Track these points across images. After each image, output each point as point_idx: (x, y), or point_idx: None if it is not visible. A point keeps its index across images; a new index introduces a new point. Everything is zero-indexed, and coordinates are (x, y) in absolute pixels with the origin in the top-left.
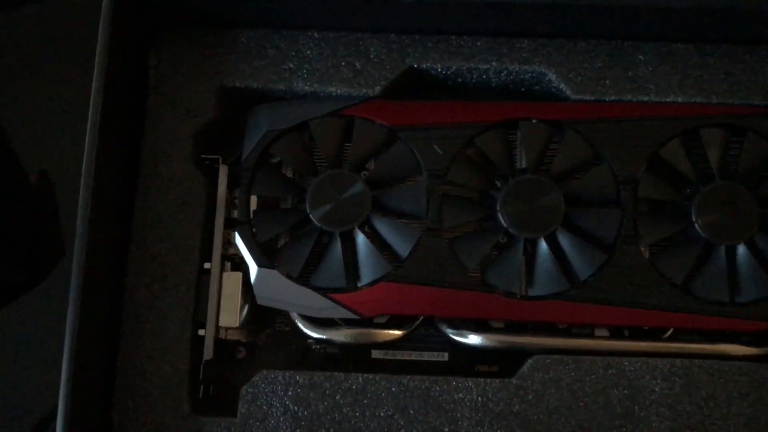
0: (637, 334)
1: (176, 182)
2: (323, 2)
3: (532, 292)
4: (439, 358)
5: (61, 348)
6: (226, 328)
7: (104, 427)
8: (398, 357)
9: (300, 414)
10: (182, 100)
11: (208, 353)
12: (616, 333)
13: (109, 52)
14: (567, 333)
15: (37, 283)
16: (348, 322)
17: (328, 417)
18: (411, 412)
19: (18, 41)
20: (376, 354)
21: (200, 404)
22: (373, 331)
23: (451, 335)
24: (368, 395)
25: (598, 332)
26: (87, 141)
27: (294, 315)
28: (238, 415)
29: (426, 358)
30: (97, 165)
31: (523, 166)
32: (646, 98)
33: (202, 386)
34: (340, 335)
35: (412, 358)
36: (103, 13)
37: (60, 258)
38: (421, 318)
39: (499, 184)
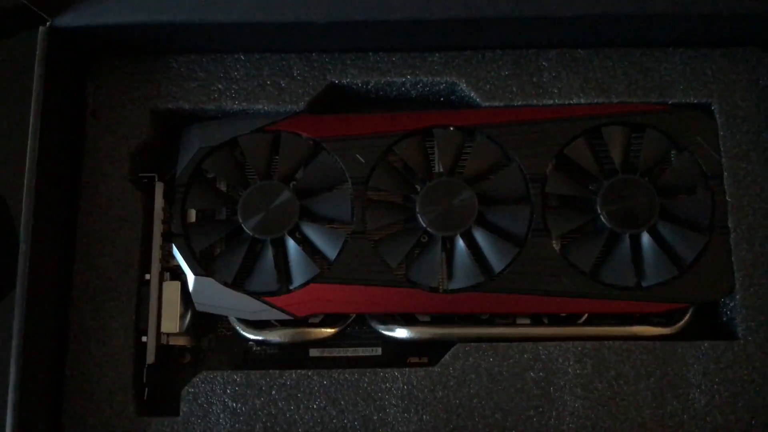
0: (554, 320)
1: (115, 199)
2: (247, 27)
3: (451, 286)
4: (373, 353)
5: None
6: (168, 334)
7: (55, 430)
8: (335, 354)
9: (238, 410)
10: (118, 123)
11: (150, 358)
12: (535, 321)
13: (45, 80)
14: (488, 322)
15: None
16: (283, 323)
17: (265, 411)
18: (342, 403)
19: None
20: (313, 353)
21: (145, 406)
22: (308, 329)
23: (381, 330)
24: (301, 389)
25: (520, 321)
26: (27, 165)
27: (232, 319)
28: (181, 414)
29: (361, 354)
30: (37, 186)
31: (440, 170)
32: (550, 102)
33: (146, 389)
34: (276, 336)
35: (348, 354)
36: (38, 42)
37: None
38: (353, 316)
39: (418, 188)
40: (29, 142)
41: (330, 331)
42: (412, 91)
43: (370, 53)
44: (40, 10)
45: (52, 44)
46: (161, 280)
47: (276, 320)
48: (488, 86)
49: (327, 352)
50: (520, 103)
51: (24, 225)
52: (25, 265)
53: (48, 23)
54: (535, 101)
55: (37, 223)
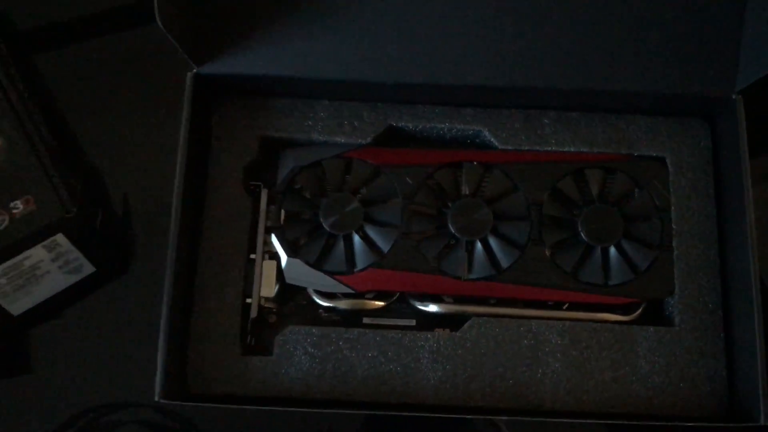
0: (543, 306)
1: (232, 200)
2: (331, 83)
3: (471, 276)
4: (409, 324)
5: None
6: (265, 298)
7: (183, 362)
8: (380, 322)
9: (314, 354)
10: (235, 146)
11: (253, 314)
12: (529, 305)
13: (189, 112)
14: (496, 304)
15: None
16: (346, 296)
17: (333, 356)
18: (389, 354)
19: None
20: (365, 320)
21: (247, 348)
22: (364, 301)
23: (417, 305)
24: (361, 342)
25: (518, 304)
26: (177, 171)
27: (310, 290)
28: (273, 355)
29: (400, 324)
30: (183, 188)
31: (466, 192)
32: (549, 148)
33: (249, 336)
34: (342, 304)
35: (390, 323)
36: (186, 86)
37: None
38: (398, 294)
39: (450, 204)
40: (179, 157)
41: (380, 303)
42: (448, 135)
43: (420, 105)
44: (193, 61)
45: (195, 86)
46: (262, 260)
47: (341, 293)
48: (504, 135)
49: (375, 320)
50: (526, 148)
51: (174, 215)
52: (174, 243)
53: (194, 70)
54: (537, 147)
55: (182, 215)
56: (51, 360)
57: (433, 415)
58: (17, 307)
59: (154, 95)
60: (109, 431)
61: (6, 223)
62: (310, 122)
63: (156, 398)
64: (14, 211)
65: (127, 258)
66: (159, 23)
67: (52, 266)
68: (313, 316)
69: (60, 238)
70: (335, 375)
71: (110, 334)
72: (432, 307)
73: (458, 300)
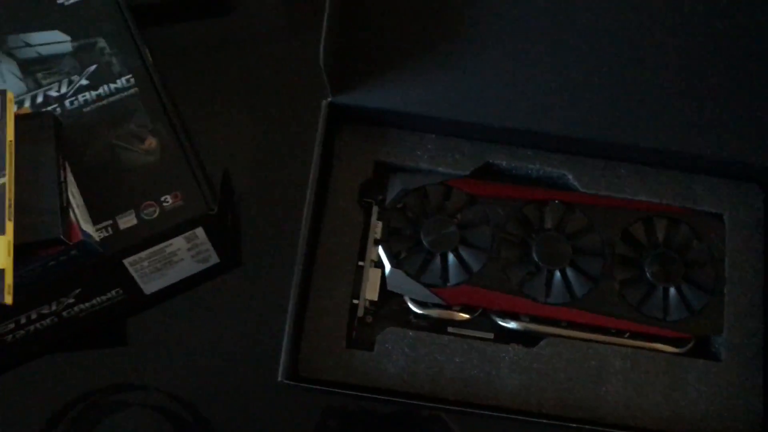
0: (608, 332)
1: (347, 214)
2: (439, 120)
3: (548, 301)
4: (487, 336)
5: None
6: (369, 300)
7: (296, 350)
8: (462, 332)
9: (409, 354)
10: (353, 166)
11: (360, 313)
12: (595, 330)
13: (323, 135)
14: (567, 327)
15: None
16: (437, 306)
17: (426, 357)
18: (474, 361)
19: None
20: (450, 329)
21: (352, 343)
22: (451, 312)
23: (498, 321)
24: (450, 347)
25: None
26: (309, 185)
27: (407, 298)
28: (374, 351)
29: (479, 335)
30: (315, 201)
31: (549, 227)
32: (623, 196)
33: (354, 332)
34: (433, 313)
35: (471, 334)
36: (321, 112)
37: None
38: (481, 309)
39: (534, 236)
40: (312, 172)
41: (466, 316)
42: (537, 174)
43: (515, 147)
44: (331, 91)
45: (329, 112)
46: (369, 267)
47: (433, 303)
48: (586, 180)
49: (458, 331)
50: (604, 193)
51: (304, 224)
52: (303, 248)
53: (329, 99)
54: (614, 194)
55: (311, 223)
56: (153, 340)
57: (509, 416)
58: (150, 287)
59: (285, 112)
60: (116, 411)
61: (157, 214)
62: (418, 152)
63: (279, 378)
64: (164, 204)
65: (241, 252)
66: (321, 61)
67: (186, 255)
68: (404, 320)
69: (199, 231)
70: (427, 374)
71: (219, 319)
72: (512, 324)
73: (534, 320)
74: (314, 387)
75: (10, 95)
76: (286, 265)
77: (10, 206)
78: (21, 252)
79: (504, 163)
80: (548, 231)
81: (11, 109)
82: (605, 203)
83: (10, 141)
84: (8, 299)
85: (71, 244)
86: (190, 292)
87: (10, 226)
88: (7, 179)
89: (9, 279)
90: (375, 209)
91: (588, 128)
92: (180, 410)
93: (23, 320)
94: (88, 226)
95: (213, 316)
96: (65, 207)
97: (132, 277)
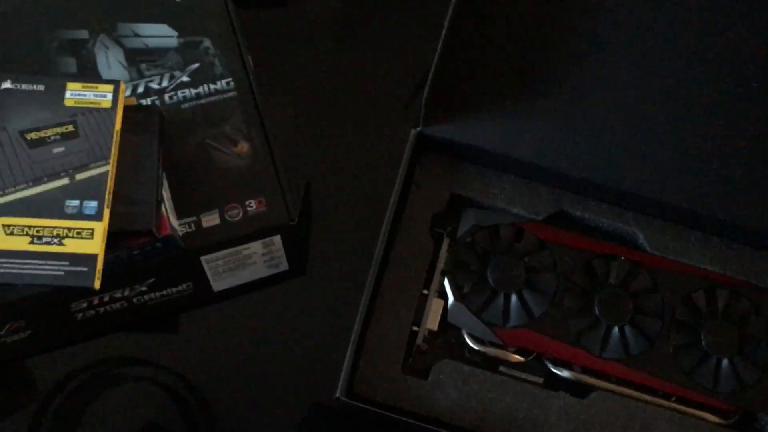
0: (655, 392)
1: (418, 240)
2: (519, 162)
3: (604, 355)
4: (536, 380)
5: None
6: (429, 330)
7: (354, 369)
8: (513, 373)
9: (461, 388)
10: (430, 195)
11: (419, 341)
12: (644, 389)
13: (409, 162)
14: (618, 382)
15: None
16: (492, 344)
17: (478, 394)
18: (524, 403)
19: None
20: (501, 368)
21: (408, 369)
22: (506, 352)
23: (551, 368)
24: (502, 388)
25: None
26: (389, 208)
27: (465, 332)
28: (428, 379)
29: (529, 379)
30: (392, 223)
31: (613, 282)
32: (690, 262)
33: (411, 359)
34: (489, 351)
35: (521, 376)
36: (409, 140)
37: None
38: (536, 353)
39: (598, 289)
40: (393, 196)
41: (520, 358)
42: (608, 229)
43: (590, 200)
44: (423, 121)
45: (417, 141)
46: (433, 297)
47: (490, 341)
48: (655, 242)
49: (509, 371)
50: (671, 257)
51: (379, 246)
52: (375, 270)
53: (418, 129)
54: (681, 259)
55: (386, 245)
56: (204, 332)
57: None
58: (219, 284)
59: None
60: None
61: (240, 217)
62: (495, 190)
63: (337, 394)
64: (248, 208)
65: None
66: (424, 97)
67: (260, 259)
68: (459, 353)
69: (277, 238)
70: (476, 410)
71: (274, 323)
72: (565, 373)
73: (586, 371)
74: (369, 408)
75: (122, 86)
76: (348, 279)
77: (109, 194)
78: (111, 239)
79: (578, 213)
80: (612, 286)
81: (122, 100)
82: (670, 267)
83: (118, 130)
84: (96, 284)
85: (159, 237)
86: (253, 293)
87: (107, 214)
88: (110, 167)
89: (100, 265)
90: (445, 241)
91: (664, 192)
92: (188, 396)
93: (95, 301)
94: (174, 221)
95: (269, 319)
96: (159, 201)
97: (205, 274)
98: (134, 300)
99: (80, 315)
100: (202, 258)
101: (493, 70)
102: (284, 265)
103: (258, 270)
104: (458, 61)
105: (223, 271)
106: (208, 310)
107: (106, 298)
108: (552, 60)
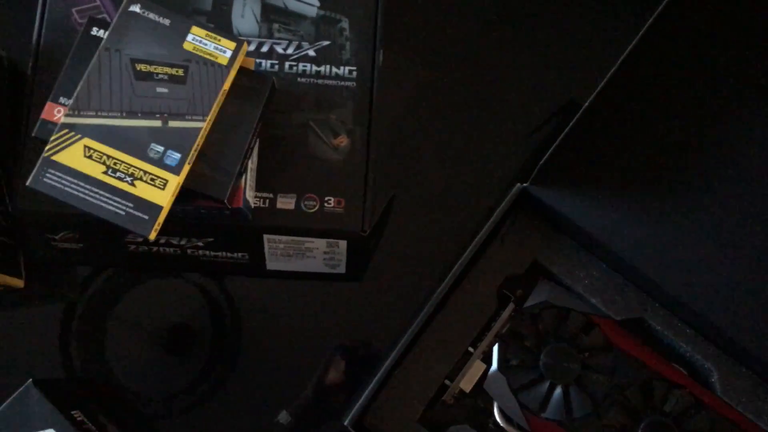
0: None
1: (483, 295)
2: (615, 257)
3: None
4: None
5: None
6: (461, 389)
7: (373, 401)
8: None
9: None
10: (511, 253)
11: (447, 398)
12: None
13: (504, 213)
14: None
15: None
16: (520, 428)
17: None
18: None
19: None
20: None
21: (425, 419)
22: None
23: None
24: None
25: None
26: (469, 249)
27: (496, 405)
28: None
29: None
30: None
31: (668, 411)
32: (758, 422)
33: (431, 411)
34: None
35: None
36: (511, 193)
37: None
38: None
39: (649, 412)
40: (477, 238)
41: None
42: (682, 353)
43: (675, 318)
44: (533, 180)
45: (518, 196)
46: (477, 358)
47: (519, 424)
48: (728, 387)
49: None
50: (739, 409)
51: (442, 285)
52: (429, 310)
53: (524, 185)
54: (749, 415)
55: (447, 289)
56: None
57: None
58: (273, 264)
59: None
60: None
61: (315, 209)
62: (581, 273)
63: (345, 422)
64: (326, 204)
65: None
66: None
67: (320, 256)
68: (482, 422)
69: (342, 243)
70: None
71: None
72: None
73: None
74: None
75: (245, 47)
76: (400, 302)
77: (195, 151)
78: (182, 193)
79: (658, 327)
80: (665, 415)
81: (240, 61)
82: (734, 417)
83: (225, 90)
84: (153, 236)
85: (230, 207)
86: (302, 281)
87: (186, 170)
88: (205, 125)
89: (162, 218)
90: (510, 306)
91: (758, 340)
92: (220, 299)
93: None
94: (250, 193)
95: (309, 312)
96: (241, 172)
97: (263, 250)
98: (188, 251)
99: (132, 247)
100: (266, 236)
101: (623, 152)
102: (342, 269)
103: (315, 264)
104: (593, 131)
105: (281, 254)
106: (255, 279)
107: (162, 241)
108: (683, 163)
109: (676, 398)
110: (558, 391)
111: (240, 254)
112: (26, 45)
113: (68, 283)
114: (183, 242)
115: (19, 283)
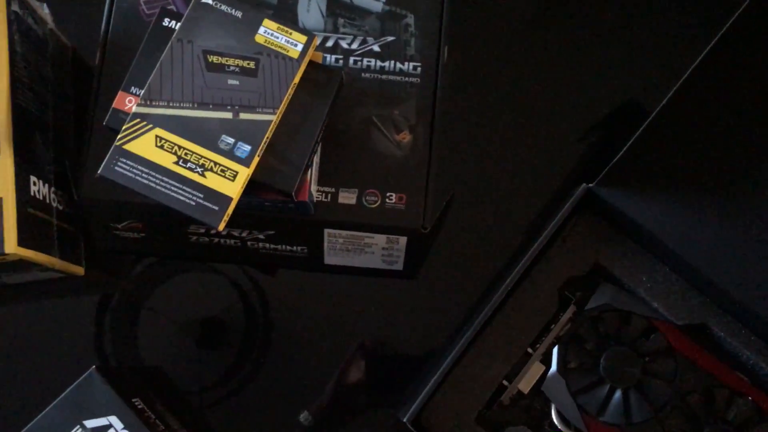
0: None
1: (545, 296)
2: (682, 261)
3: None
4: None
5: None
6: (519, 390)
7: (429, 399)
8: None
9: None
10: (572, 255)
11: (504, 398)
12: None
13: (569, 213)
14: None
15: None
16: (577, 430)
17: None
18: None
19: None
20: None
21: (482, 419)
22: None
23: None
24: None
25: None
26: (531, 249)
27: (554, 407)
28: None
29: None
30: (522, 270)
31: (730, 419)
32: None
33: (488, 411)
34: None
35: None
36: (576, 193)
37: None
38: None
39: (710, 420)
40: (541, 237)
41: None
42: (745, 361)
43: (740, 324)
44: (600, 181)
45: (583, 196)
46: (536, 359)
47: (576, 426)
48: None
49: None
50: None
51: (503, 286)
52: (489, 311)
53: (590, 185)
54: None
55: (507, 290)
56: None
57: None
58: (331, 259)
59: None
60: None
61: (376, 205)
62: (644, 276)
63: (404, 419)
64: (387, 200)
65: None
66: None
67: (378, 251)
68: (539, 423)
69: (402, 239)
70: None
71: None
72: None
73: None
74: None
75: (315, 41)
76: (457, 300)
77: (265, 144)
78: (249, 185)
79: (721, 334)
80: (727, 423)
81: (310, 54)
82: None
83: (295, 83)
84: (221, 226)
85: (296, 200)
86: (356, 277)
87: (255, 162)
88: (275, 118)
89: (230, 209)
90: (571, 308)
91: None
92: (254, 295)
93: (213, 231)
94: (314, 187)
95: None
96: (308, 166)
97: (322, 244)
98: (248, 243)
99: (194, 238)
100: (326, 230)
101: (696, 155)
102: (399, 265)
103: (372, 260)
104: (666, 133)
105: (340, 248)
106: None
107: (224, 232)
108: (758, 169)
109: (738, 407)
110: (617, 395)
111: (299, 248)
112: (93, 38)
113: (125, 272)
114: (244, 234)
115: (79, 270)
